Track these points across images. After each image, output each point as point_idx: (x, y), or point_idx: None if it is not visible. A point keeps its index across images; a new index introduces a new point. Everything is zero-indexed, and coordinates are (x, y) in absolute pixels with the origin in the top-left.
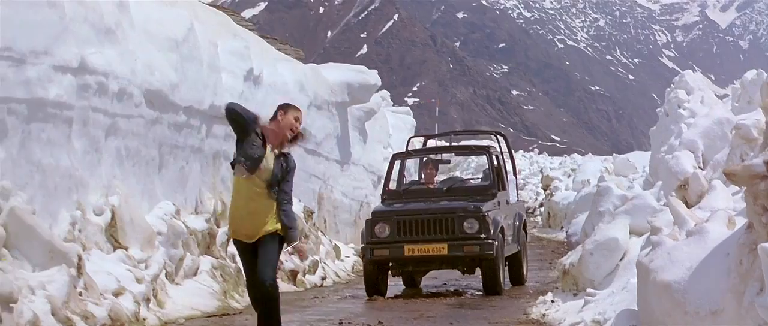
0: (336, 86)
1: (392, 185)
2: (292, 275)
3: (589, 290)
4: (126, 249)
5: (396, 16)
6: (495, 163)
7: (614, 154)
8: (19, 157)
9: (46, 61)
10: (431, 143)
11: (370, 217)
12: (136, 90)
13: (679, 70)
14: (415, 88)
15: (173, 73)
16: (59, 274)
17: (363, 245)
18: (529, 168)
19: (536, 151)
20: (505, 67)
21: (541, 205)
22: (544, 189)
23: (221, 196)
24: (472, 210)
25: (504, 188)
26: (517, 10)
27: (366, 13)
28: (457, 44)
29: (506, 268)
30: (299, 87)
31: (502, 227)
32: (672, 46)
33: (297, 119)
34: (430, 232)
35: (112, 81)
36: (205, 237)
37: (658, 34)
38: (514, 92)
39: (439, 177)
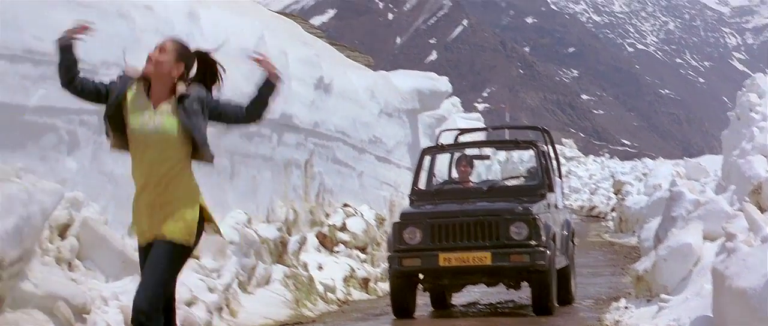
0: (406, 93)
1: (421, 185)
2: (364, 282)
3: (662, 296)
4: (198, 258)
5: (465, 22)
6: (543, 159)
7: (685, 158)
8: (92, 167)
9: (118, 72)
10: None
11: (398, 220)
12: None
13: (750, 73)
14: (485, 94)
15: (244, 82)
16: (132, 284)
17: (389, 254)
18: (600, 172)
19: (607, 155)
20: (574, 71)
21: (612, 210)
22: (616, 194)
23: (293, 204)
24: (521, 213)
25: (553, 189)
26: (587, 15)
27: (435, 18)
28: (527, 49)
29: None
30: (369, 94)
31: (554, 234)
32: (742, 48)
33: (156, 48)
34: (471, 238)
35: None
36: (277, 246)
37: (728, 37)
38: (584, 96)
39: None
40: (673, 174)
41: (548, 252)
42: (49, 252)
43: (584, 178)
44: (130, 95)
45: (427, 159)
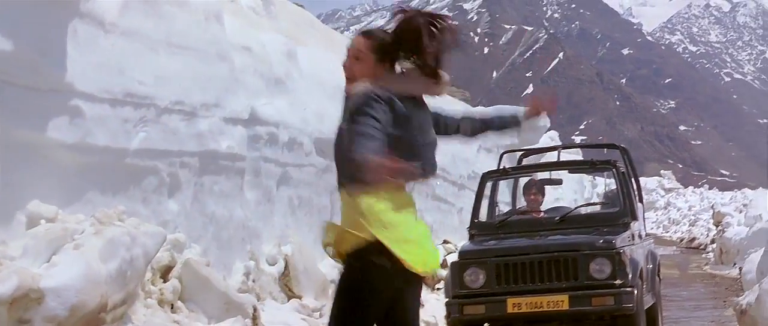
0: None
1: (483, 216)
2: None
3: None
4: (300, 298)
5: (561, 55)
6: (623, 182)
7: None
8: (193, 209)
9: (217, 113)
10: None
11: (457, 260)
12: (306, 139)
13: None
14: (582, 126)
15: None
16: (235, 325)
17: (447, 300)
18: (699, 204)
19: (706, 186)
20: (672, 102)
21: (712, 241)
22: (716, 225)
23: None
24: (603, 247)
25: (636, 217)
26: (683, 45)
27: (531, 52)
28: (624, 81)
29: None
30: None
31: (641, 270)
32: None
33: (347, 54)
34: (544, 279)
35: (283, 131)
36: None
37: None
38: (682, 127)
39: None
40: None
41: (636, 292)
42: (151, 294)
43: (684, 210)
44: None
45: (489, 185)
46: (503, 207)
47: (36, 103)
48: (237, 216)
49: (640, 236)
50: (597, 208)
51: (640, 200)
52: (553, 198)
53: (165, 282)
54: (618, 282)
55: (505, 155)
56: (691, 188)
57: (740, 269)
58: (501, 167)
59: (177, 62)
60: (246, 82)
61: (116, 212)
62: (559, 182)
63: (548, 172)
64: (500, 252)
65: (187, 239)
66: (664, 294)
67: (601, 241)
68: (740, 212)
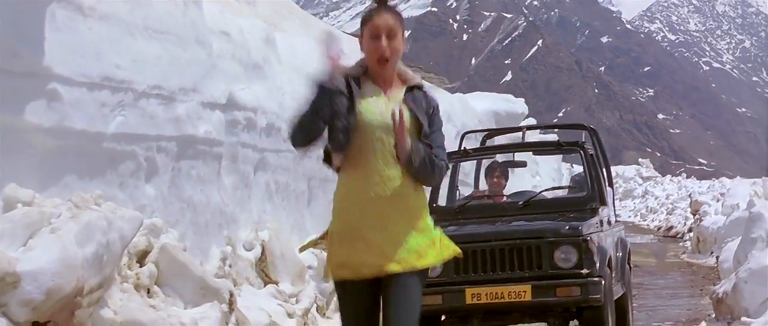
0: (483, 115)
1: (442, 200)
2: None
3: (743, 319)
4: (276, 283)
5: (540, 42)
6: (592, 165)
7: (764, 177)
8: (170, 194)
9: (195, 98)
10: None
11: None
12: (284, 124)
13: None
14: (560, 114)
15: None
16: (211, 310)
17: None
18: (677, 192)
19: (684, 175)
20: (650, 90)
21: (689, 230)
22: (693, 214)
23: None
24: (568, 234)
25: (605, 202)
26: (662, 33)
27: (510, 39)
28: (602, 69)
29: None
30: (446, 117)
31: (609, 258)
32: None
33: (375, 33)
34: (505, 268)
35: (261, 116)
36: None
37: None
38: (661, 116)
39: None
40: (750, 193)
41: (604, 282)
42: (128, 278)
43: (661, 198)
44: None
45: (449, 168)
46: (465, 190)
47: (13, 87)
48: (214, 201)
49: (609, 222)
50: (563, 193)
51: (610, 184)
52: (530, 186)
53: (141, 266)
54: (584, 271)
55: (466, 135)
56: (669, 177)
57: (717, 258)
58: (461, 148)
59: (155, 47)
60: (224, 67)
61: (93, 196)
62: (523, 164)
63: (512, 154)
64: (459, 238)
65: (164, 224)
66: (641, 283)
67: (567, 228)
68: (718, 201)
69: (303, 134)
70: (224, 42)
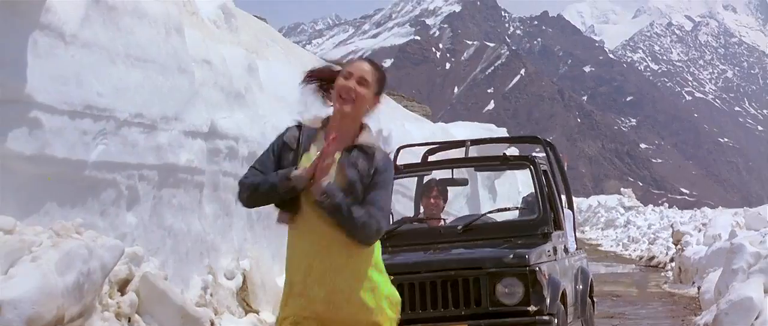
0: None
1: None
2: None
3: None
4: (257, 312)
5: (523, 71)
6: (544, 184)
7: (745, 207)
8: (151, 222)
9: (177, 127)
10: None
11: None
12: None
13: None
14: None
15: None
16: None
17: None
18: (659, 222)
19: (666, 205)
20: (633, 120)
21: (671, 260)
22: (675, 244)
23: None
24: (512, 263)
25: (560, 226)
26: (645, 63)
27: (493, 68)
28: (585, 98)
29: None
30: None
31: (563, 291)
32: None
33: (347, 75)
34: (438, 304)
35: (242, 145)
36: None
37: None
38: (643, 145)
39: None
40: (732, 224)
41: (556, 321)
42: (109, 307)
43: (643, 228)
44: (313, 150)
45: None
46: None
47: None
48: (195, 229)
49: (565, 250)
50: (513, 215)
51: (570, 206)
52: (494, 207)
53: (122, 295)
54: (532, 308)
55: (402, 150)
56: (650, 206)
57: (699, 288)
58: (395, 164)
59: (137, 75)
60: (206, 96)
61: (74, 224)
62: (464, 183)
63: (451, 171)
64: (387, 269)
65: (145, 252)
66: (622, 313)
67: (511, 256)
68: (699, 231)
69: (251, 201)
70: (206, 70)
